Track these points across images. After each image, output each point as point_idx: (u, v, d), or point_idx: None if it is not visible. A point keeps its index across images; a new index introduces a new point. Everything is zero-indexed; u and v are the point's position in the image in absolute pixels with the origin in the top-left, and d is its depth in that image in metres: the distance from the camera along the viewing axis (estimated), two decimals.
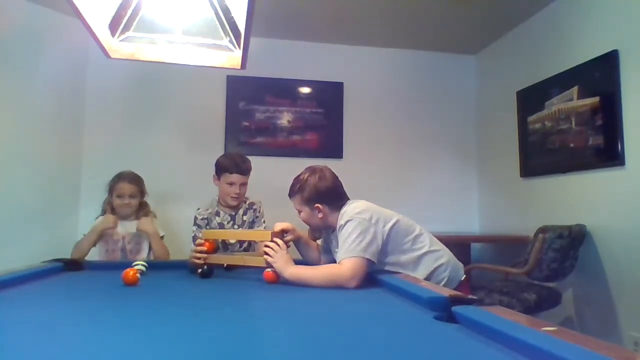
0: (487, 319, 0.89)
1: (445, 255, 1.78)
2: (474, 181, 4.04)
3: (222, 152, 3.63)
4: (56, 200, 3.27)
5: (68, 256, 1.88)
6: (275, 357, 0.79)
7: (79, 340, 0.86)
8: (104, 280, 1.57)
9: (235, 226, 2.40)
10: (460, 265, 1.83)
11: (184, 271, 1.83)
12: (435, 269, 1.72)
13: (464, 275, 1.81)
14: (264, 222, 2.48)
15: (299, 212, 1.84)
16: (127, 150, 3.45)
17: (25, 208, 3.01)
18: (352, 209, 1.71)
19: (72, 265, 1.80)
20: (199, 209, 2.46)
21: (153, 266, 1.74)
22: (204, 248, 1.80)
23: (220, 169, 2.37)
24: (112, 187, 2.48)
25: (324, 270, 1.60)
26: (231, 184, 2.33)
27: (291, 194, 1.84)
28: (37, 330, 0.93)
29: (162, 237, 2.50)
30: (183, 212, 3.46)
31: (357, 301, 1.32)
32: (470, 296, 1.09)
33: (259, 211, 2.49)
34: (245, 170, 2.38)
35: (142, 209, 2.54)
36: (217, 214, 2.40)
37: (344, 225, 1.65)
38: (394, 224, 1.70)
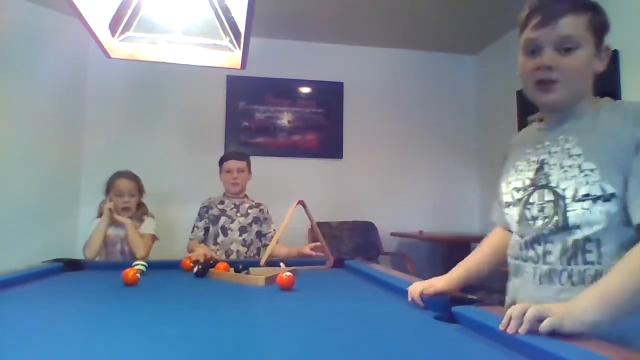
0: (487, 319, 0.89)
1: None
2: (474, 181, 4.03)
3: (222, 152, 3.63)
4: (56, 200, 3.27)
5: (68, 256, 1.87)
6: (275, 357, 0.79)
7: (79, 341, 0.86)
8: (104, 280, 1.57)
9: (239, 214, 2.50)
10: None
11: (184, 271, 1.83)
12: None
13: None
14: (273, 227, 2.55)
15: (565, 41, 0.95)
16: (127, 150, 3.45)
17: (25, 208, 3.01)
18: None
19: (72, 265, 1.80)
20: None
21: (153, 266, 1.74)
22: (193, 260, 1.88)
23: (220, 162, 2.58)
24: (109, 186, 2.43)
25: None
26: (229, 170, 2.51)
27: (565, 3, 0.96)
28: (37, 331, 0.93)
29: (155, 239, 2.46)
30: (183, 212, 3.46)
31: (357, 301, 1.33)
32: (470, 296, 1.09)
33: (267, 213, 2.58)
34: (238, 155, 2.57)
35: (140, 210, 2.49)
36: (222, 202, 2.54)
37: None
38: None
